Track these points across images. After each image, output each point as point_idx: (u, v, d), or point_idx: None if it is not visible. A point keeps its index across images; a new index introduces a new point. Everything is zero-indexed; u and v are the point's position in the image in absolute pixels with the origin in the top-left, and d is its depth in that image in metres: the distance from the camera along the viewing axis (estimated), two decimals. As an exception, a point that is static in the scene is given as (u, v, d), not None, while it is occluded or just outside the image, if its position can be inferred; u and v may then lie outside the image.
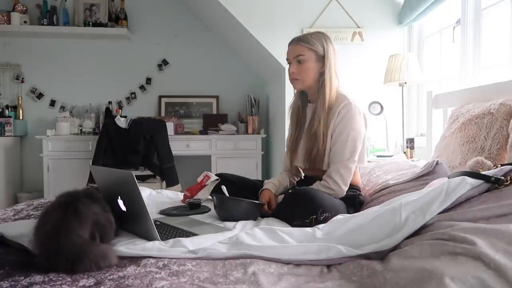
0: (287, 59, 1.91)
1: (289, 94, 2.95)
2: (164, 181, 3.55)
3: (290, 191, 1.74)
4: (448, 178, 1.33)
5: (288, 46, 1.92)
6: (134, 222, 1.39)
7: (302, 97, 1.97)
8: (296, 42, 1.87)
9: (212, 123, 4.05)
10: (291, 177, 2.04)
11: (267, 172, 4.17)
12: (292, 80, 1.89)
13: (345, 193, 1.77)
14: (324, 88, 1.82)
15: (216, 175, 2.12)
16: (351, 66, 3.30)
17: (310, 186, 1.77)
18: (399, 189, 1.72)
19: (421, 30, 3.26)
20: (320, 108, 1.82)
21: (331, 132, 1.81)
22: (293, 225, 1.53)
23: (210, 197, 2.07)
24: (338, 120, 1.79)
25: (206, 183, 2.06)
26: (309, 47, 1.83)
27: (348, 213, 1.67)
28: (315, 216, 1.55)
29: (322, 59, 1.84)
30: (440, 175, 1.65)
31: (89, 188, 1.41)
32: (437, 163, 1.71)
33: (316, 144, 1.81)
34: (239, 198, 1.70)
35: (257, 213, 1.68)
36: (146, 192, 2.15)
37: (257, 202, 1.71)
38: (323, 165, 1.82)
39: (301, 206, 1.59)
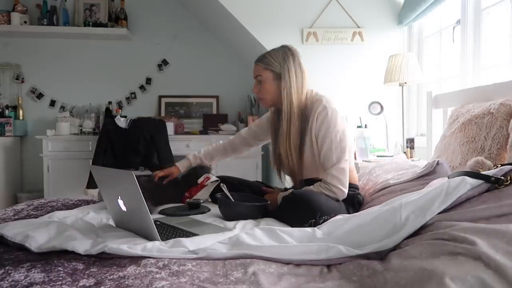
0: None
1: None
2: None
3: (288, 194, 1.74)
4: (448, 178, 1.33)
5: None
6: (134, 222, 1.39)
7: (277, 111, 1.95)
8: (256, 61, 1.89)
9: (212, 123, 4.05)
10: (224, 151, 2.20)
11: (267, 172, 4.17)
12: (259, 99, 1.93)
13: (346, 194, 1.76)
14: (281, 104, 1.83)
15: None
16: (351, 66, 3.30)
17: (309, 188, 1.77)
18: (399, 189, 1.72)
19: (421, 30, 3.26)
20: (283, 127, 1.84)
21: (314, 137, 1.81)
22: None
23: (209, 199, 2.08)
24: (317, 126, 1.79)
25: (205, 184, 2.06)
26: (265, 67, 1.84)
27: (348, 213, 1.67)
28: (314, 220, 1.55)
29: (279, 76, 1.83)
30: (441, 175, 1.65)
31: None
32: (437, 163, 1.71)
33: (290, 159, 1.84)
34: (242, 202, 1.73)
35: (260, 214, 1.70)
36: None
37: (260, 204, 1.72)
38: (311, 172, 1.85)
39: (299, 211, 1.58)
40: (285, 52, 1.84)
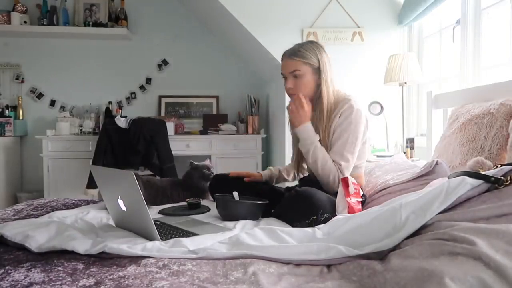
0: (282, 74, 1.90)
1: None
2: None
3: (290, 191, 1.74)
4: (448, 178, 1.33)
5: (282, 60, 1.89)
6: (134, 222, 1.39)
7: None
8: (290, 57, 1.85)
9: (212, 123, 4.05)
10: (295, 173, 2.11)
11: (267, 172, 4.17)
12: (290, 95, 1.90)
13: (336, 181, 1.78)
14: (322, 99, 1.83)
15: (213, 176, 2.13)
16: (351, 66, 3.30)
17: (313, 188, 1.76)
18: (399, 189, 1.72)
19: (421, 30, 3.26)
20: (318, 118, 1.84)
21: (332, 133, 1.83)
22: (293, 226, 1.53)
23: (211, 198, 2.08)
24: (339, 122, 1.81)
25: None
26: (304, 61, 1.82)
27: (349, 213, 1.67)
28: (315, 217, 1.55)
29: (317, 70, 1.83)
30: (440, 175, 1.65)
31: None
32: (436, 163, 1.71)
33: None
34: (241, 200, 1.71)
35: (259, 213, 1.68)
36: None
37: (259, 202, 1.71)
38: None
39: (301, 207, 1.59)
40: (317, 46, 1.86)
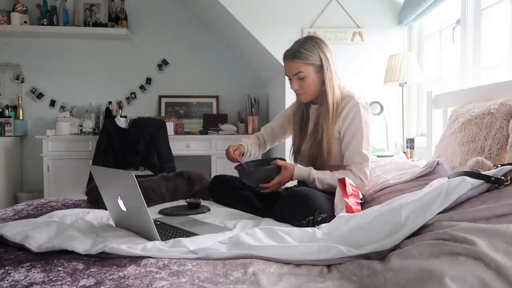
0: (286, 75, 1.89)
1: (289, 94, 2.95)
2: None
3: (288, 191, 1.76)
4: (448, 178, 1.33)
5: (284, 61, 1.88)
6: (134, 222, 1.39)
7: (306, 103, 1.97)
8: (291, 59, 1.83)
9: (212, 123, 4.05)
10: (259, 146, 2.13)
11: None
12: (298, 95, 1.90)
13: (363, 181, 1.83)
14: (326, 94, 1.83)
15: (214, 177, 2.13)
16: (351, 66, 3.29)
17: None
18: (399, 189, 1.72)
19: (421, 30, 3.26)
20: (324, 114, 1.84)
21: (339, 131, 1.84)
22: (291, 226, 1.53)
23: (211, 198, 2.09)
24: (348, 122, 1.81)
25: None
26: (305, 63, 1.81)
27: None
28: (312, 218, 1.55)
29: (321, 68, 1.83)
30: (441, 175, 1.65)
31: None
32: (437, 163, 1.71)
33: (320, 152, 1.85)
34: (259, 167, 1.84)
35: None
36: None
37: (272, 167, 1.79)
38: (327, 167, 1.86)
39: (298, 207, 1.59)
40: (317, 43, 1.84)
